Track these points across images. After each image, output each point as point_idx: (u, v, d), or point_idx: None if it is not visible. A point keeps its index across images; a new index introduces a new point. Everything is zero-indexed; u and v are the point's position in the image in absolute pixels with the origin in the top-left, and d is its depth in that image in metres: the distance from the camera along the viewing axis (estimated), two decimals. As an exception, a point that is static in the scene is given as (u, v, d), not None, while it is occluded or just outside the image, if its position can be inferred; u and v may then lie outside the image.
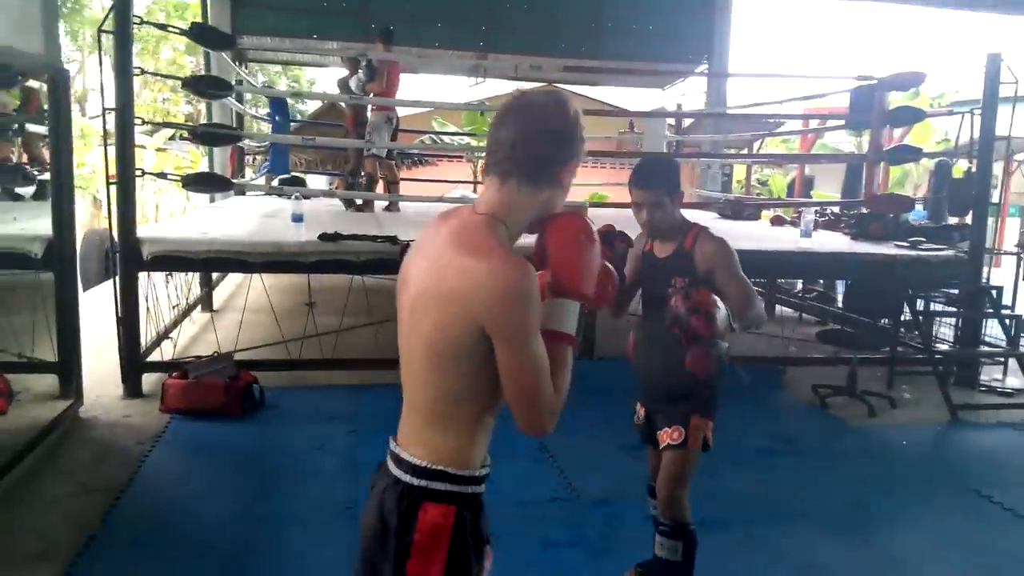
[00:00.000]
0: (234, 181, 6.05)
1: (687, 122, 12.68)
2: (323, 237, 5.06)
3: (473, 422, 1.42)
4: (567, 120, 1.41)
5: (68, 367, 4.63)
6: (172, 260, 4.88)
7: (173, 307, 6.21)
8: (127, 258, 4.82)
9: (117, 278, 4.85)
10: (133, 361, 4.94)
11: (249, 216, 6.35)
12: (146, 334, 5.13)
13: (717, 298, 2.41)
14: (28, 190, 4.84)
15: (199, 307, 7.16)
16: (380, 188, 7.55)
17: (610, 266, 1.58)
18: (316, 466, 4.00)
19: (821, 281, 8.76)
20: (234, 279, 8.61)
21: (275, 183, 7.92)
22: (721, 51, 10.97)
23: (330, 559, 2.91)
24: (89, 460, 4.00)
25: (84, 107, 20.48)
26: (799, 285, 9.10)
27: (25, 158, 4.86)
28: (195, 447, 4.29)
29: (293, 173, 10.17)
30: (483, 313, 1.29)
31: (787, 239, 6.53)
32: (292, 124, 11.90)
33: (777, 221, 8.22)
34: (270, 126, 10.17)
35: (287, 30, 10.69)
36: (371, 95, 6.87)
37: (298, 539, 3.20)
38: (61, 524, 3.28)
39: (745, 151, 11.98)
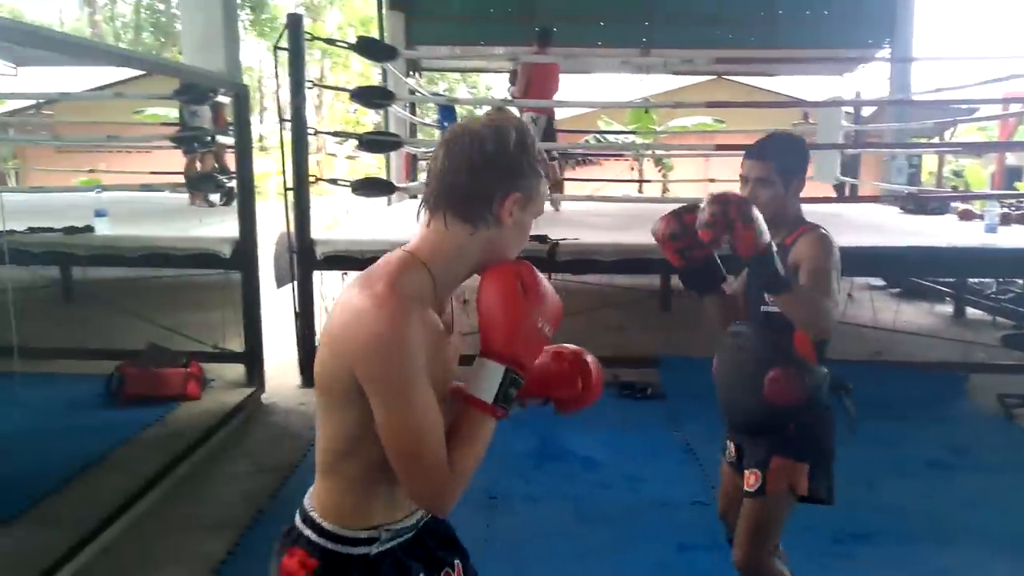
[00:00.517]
0: (400, 185, 6.38)
1: (868, 111, 11.93)
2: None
3: (358, 478, 1.29)
4: (505, 148, 1.23)
5: (252, 357, 5.11)
6: (341, 260, 5.24)
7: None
8: (303, 258, 5.24)
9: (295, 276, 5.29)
10: (308, 353, 5.35)
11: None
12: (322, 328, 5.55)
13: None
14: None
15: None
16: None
17: (589, 359, 1.44)
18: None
19: (1021, 281, 7.97)
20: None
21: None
22: (905, 33, 10.25)
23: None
24: (266, 442, 4.40)
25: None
26: (994, 286, 8.33)
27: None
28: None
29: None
30: (351, 359, 1.18)
31: (969, 235, 6.01)
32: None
33: (966, 215, 7.57)
34: (439, 132, 10.67)
35: (457, 38, 11.13)
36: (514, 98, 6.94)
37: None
38: (238, 499, 3.65)
39: (937, 140, 11.13)
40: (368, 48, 5.69)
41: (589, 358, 1.48)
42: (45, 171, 10.66)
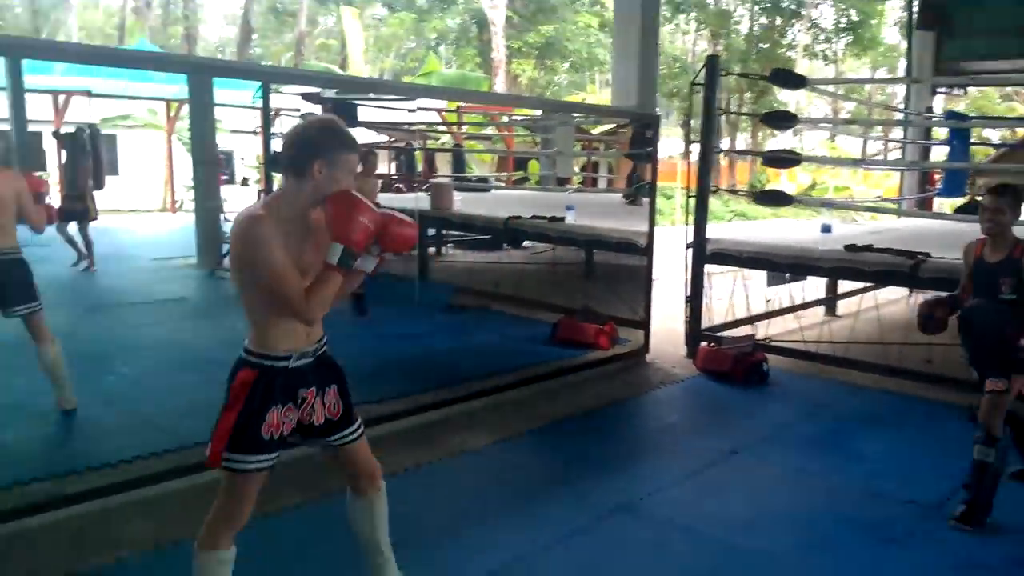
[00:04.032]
0: (798, 197, 7.02)
1: None
2: (848, 248, 5.77)
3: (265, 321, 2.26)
4: (310, 131, 2.24)
5: (645, 326, 6.51)
6: (724, 256, 6.28)
7: (767, 300, 7.60)
8: (697, 252, 6.42)
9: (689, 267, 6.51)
10: (694, 330, 6.52)
11: (810, 225, 7.30)
12: (709, 313, 6.66)
13: None
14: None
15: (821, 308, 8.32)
16: None
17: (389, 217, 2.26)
18: (743, 429, 4.95)
19: None
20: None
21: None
22: None
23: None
24: (630, 379, 5.80)
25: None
26: None
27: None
28: (691, 392, 5.72)
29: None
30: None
31: None
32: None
33: None
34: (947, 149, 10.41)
35: (994, 54, 10.65)
36: None
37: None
38: (592, 398, 5.24)
39: None
40: (781, 78, 6.51)
41: (386, 215, 2.29)
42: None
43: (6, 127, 4.53)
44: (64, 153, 9.73)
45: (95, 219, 9.09)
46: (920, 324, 3.79)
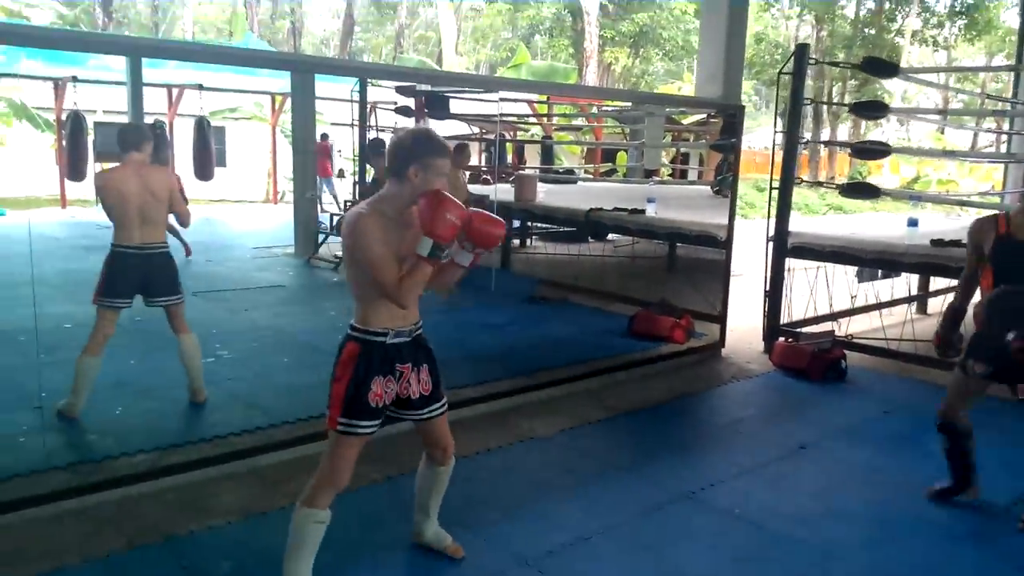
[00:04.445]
0: (886, 189, 6.85)
1: None
2: (935, 243, 5.63)
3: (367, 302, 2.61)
4: (407, 140, 2.57)
5: (722, 320, 6.51)
6: (805, 250, 6.22)
7: (852, 297, 7.44)
8: (777, 246, 6.37)
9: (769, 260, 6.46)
10: (772, 325, 6.48)
11: (898, 220, 7.11)
12: (790, 308, 6.60)
13: None
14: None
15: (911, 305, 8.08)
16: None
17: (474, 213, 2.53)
18: (814, 424, 4.92)
19: None
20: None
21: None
22: None
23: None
24: (699, 375, 5.83)
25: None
26: None
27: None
28: (764, 388, 5.72)
29: None
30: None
31: None
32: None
33: None
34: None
35: None
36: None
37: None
38: (664, 391, 5.35)
39: None
40: (874, 66, 6.36)
41: (475, 214, 2.58)
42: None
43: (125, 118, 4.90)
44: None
45: None
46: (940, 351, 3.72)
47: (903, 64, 27.41)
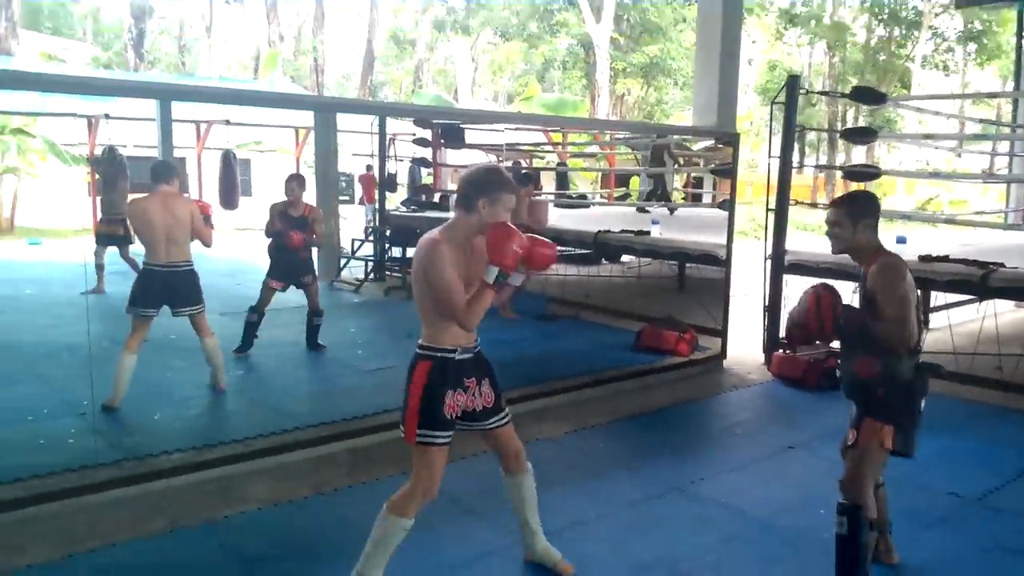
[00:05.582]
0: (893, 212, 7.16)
1: None
2: (923, 258, 5.94)
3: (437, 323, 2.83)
4: (477, 175, 2.81)
5: (723, 333, 6.82)
6: (801, 267, 6.53)
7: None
8: (775, 263, 6.69)
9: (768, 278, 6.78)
10: (772, 339, 6.77)
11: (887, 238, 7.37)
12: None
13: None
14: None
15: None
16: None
17: (531, 241, 2.76)
18: (804, 427, 5.19)
19: None
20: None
21: None
22: None
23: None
24: (702, 383, 6.15)
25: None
26: None
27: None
28: (761, 395, 6.01)
29: None
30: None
31: None
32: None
33: None
34: None
35: None
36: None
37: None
38: (668, 396, 5.63)
39: None
40: (861, 95, 6.71)
41: (533, 240, 2.80)
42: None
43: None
44: (100, 176, 9.39)
45: (132, 243, 8.51)
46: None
47: (914, 89, 27.76)
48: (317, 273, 6.68)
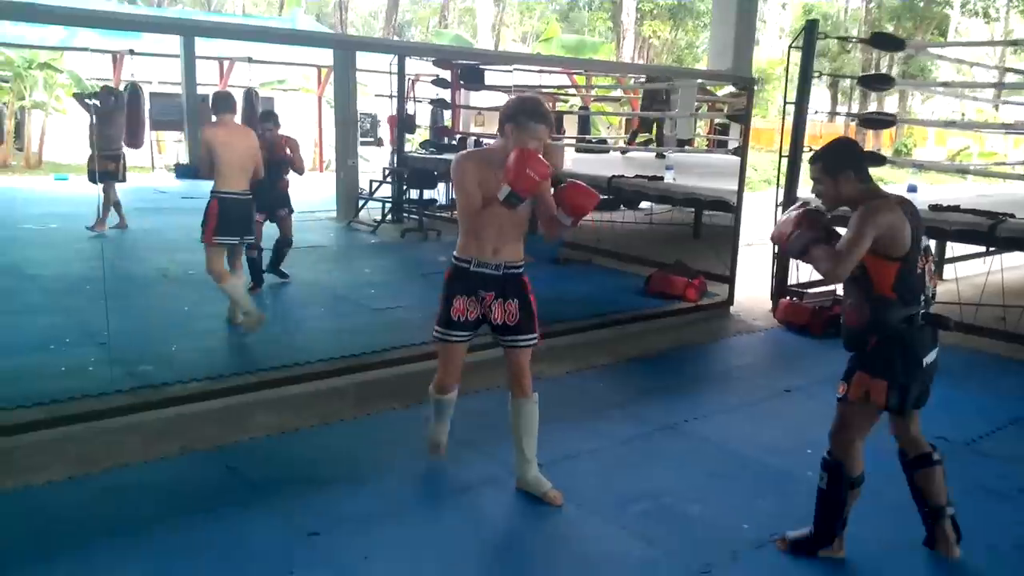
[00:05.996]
0: (891, 158, 7.08)
1: None
2: (933, 207, 5.91)
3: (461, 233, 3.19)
4: (511, 103, 3.05)
5: (731, 280, 6.86)
6: (812, 215, 6.51)
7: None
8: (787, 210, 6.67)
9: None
10: (779, 287, 6.81)
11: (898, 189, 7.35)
12: (799, 270, 6.91)
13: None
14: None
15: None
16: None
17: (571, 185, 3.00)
18: (804, 372, 5.25)
19: None
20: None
21: None
22: None
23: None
24: (712, 327, 6.24)
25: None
26: None
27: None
28: (765, 341, 6.09)
29: None
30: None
31: None
32: None
33: None
34: None
35: None
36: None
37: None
38: (669, 339, 5.78)
39: None
40: (880, 41, 6.59)
41: (573, 186, 3.05)
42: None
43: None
44: (93, 112, 8.94)
45: (123, 180, 8.71)
46: None
47: (951, 37, 26.94)
48: (293, 206, 6.63)
